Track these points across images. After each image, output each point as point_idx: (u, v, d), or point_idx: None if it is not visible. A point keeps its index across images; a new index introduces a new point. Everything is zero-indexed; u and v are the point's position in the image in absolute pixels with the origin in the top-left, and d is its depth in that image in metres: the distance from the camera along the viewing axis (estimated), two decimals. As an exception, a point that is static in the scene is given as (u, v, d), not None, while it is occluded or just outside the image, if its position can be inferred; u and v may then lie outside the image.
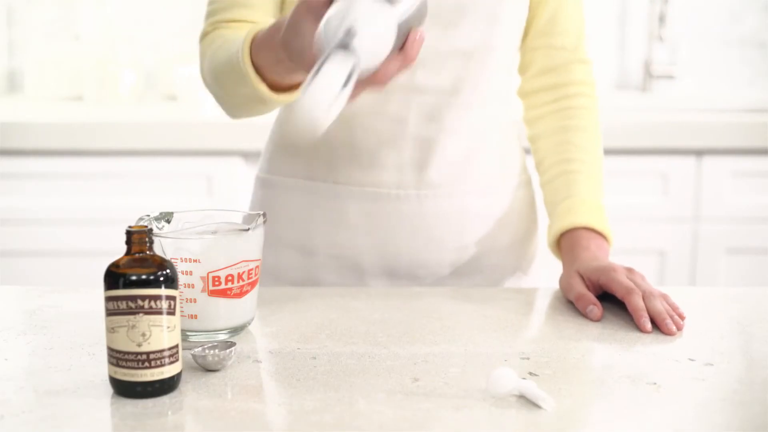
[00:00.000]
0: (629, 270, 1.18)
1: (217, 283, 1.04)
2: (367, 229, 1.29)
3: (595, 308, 1.14)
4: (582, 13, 1.36)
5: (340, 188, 1.30)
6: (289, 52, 1.00)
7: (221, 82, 1.20)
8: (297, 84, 1.11)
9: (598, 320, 1.13)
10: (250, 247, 1.06)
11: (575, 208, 1.28)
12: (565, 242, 1.27)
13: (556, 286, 1.26)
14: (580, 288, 1.17)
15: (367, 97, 1.24)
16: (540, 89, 1.36)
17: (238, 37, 1.17)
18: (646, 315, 1.10)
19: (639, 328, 1.10)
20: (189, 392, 0.92)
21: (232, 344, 0.99)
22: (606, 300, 1.18)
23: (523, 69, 1.38)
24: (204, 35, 1.27)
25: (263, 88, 1.11)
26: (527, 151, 1.43)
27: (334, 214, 1.30)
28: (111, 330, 0.90)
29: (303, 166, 1.32)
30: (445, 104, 1.27)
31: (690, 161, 2.35)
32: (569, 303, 1.21)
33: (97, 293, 1.15)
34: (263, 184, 1.37)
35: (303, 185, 1.32)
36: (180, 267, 1.02)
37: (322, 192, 1.31)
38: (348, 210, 1.30)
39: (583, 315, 1.15)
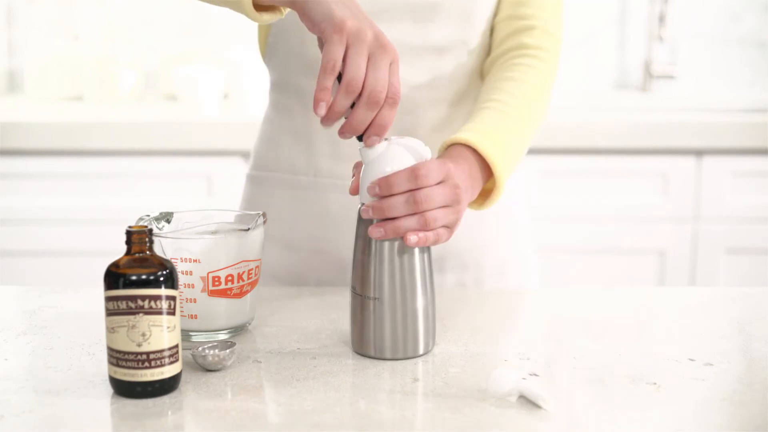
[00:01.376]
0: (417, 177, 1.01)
1: (217, 283, 1.04)
2: (348, 223, 1.29)
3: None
4: None
5: (321, 181, 1.30)
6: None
7: None
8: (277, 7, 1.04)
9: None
10: (250, 247, 1.06)
11: (463, 129, 1.15)
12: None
13: (554, 286, 1.25)
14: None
15: None
16: (492, 60, 1.30)
17: None
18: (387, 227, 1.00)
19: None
20: (189, 392, 0.92)
21: (232, 344, 0.99)
22: (603, 301, 1.17)
23: (490, 45, 1.32)
24: None
25: (249, 6, 1.02)
26: None
27: (316, 207, 1.31)
28: (111, 330, 0.90)
29: (285, 160, 1.33)
30: (421, 99, 1.27)
31: (690, 161, 2.35)
32: (569, 303, 1.21)
33: (97, 293, 1.15)
34: (251, 181, 1.38)
35: (286, 179, 1.33)
36: (180, 267, 1.02)
37: (304, 186, 1.31)
38: (329, 203, 1.30)
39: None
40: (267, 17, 1.04)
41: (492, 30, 1.32)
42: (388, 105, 0.97)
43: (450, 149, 1.12)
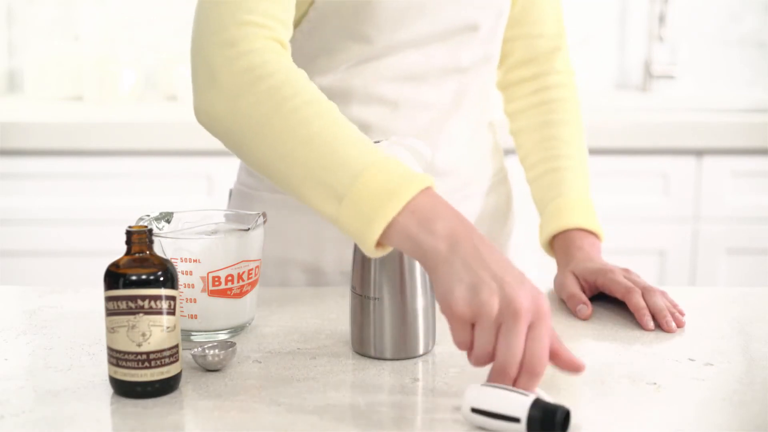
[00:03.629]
0: (626, 270, 1.19)
1: (217, 283, 1.04)
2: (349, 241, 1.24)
3: (585, 307, 1.14)
4: (559, 5, 1.35)
5: None
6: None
7: (275, 155, 0.94)
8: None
9: (586, 319, 1.14)
10: (250, 247, 1.06)
11: (566, 209, 1.27)
12: (558, 243, 1.27)
13: (549, 286, 1.25)
14: (572, 288, 1.18)
15: (377, 115, 1.20)
16: (520, 80, 1.35)
17: (357, 133, 0.94)
18: (648, 313, 1.11)
19: (641, 326, 1.10)
20: (189, 392, 0.92)
21: (232, 344, 0.99)
22: (603, 300, 1.18)
23: (500, 61, 1.36)
24: (258, 25, 0.97)
25: (371, 249, 0.91)
26: (507, 151, 1.42)
27: (317, 228, 1.25)
28: (111, 330, 0.90)
29: None
30: (447, 116, 1.25)
31: (690, 161, 2.35)
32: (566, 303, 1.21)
33: (97, 293, 1.15)
34: (243, 197, 1.30)
35: (283, 200, 1.24)
36: (180, 267, 1.02)
37: (304, 206, 1.24)
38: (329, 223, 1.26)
39: (573, 314, 1.15)
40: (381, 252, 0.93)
41: (504, 45, 1.33)
42: (525, 375, 0.85)
43: (566, 237, 1.25)
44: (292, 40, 1.14)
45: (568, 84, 1.35)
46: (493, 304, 0.84)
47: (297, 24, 1.15)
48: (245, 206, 1.30)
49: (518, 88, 1.36)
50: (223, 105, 0.97)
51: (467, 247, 0.87)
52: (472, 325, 0.86)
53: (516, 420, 0.82)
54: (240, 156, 1.01)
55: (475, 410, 0.84)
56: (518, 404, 0.83)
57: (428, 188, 0.91)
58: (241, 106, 0.96)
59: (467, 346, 0.87)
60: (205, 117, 1.01)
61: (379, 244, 0.91)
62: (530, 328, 0.85)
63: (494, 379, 0.86)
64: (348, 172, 0.90)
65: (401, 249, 0.91)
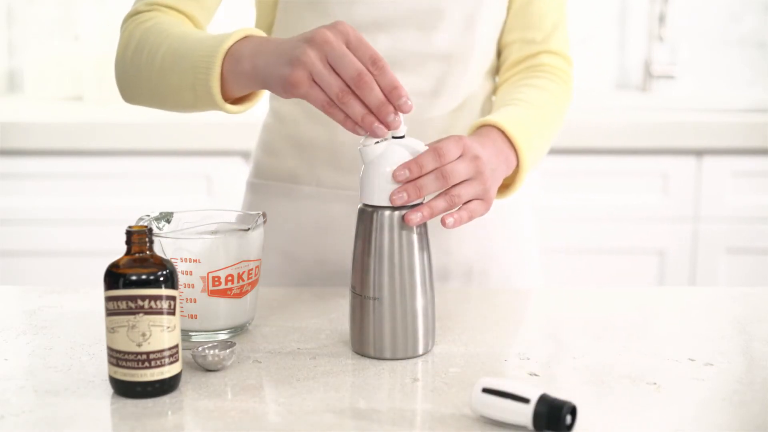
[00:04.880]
0: (472, 159, 1.03)
1: (217, 283, 1.04)
2: (352, 233, 1.26)
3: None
4: (560, 7, 1.30)
5: (324, 191, 1.28)
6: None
7: (154, 68, 1.11)
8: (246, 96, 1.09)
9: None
10: (250, 247, 1.06)
11: (491, 114, 1.19)
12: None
13: (554, 286, 1.25)
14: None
15: None
16: (513, 74, 1.31)
17: (194, 30, 1.12)
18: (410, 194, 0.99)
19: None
20: (189, 392, 0.92)
21: (232, 344, 0.99)
22: (602, 298, 1.18)
23: (499, 66, 1.34)
24: (135, 13, 1.17)
25: (221, 101, 1.06)
26: None
27: (319, 217, 1.29)
28: (111, 330, 0.90)
29: (287, 169, 1.31)
30: (429, 106, 1.25)
31: (690, 161, 2.35)
32: (569, 303, 1.20)
33: (97, 293, 1.15)
34: (252, 189, 1.36)
35: (287, 189, 1.31)
36: (180, 267, 1.02)
37: (306, 195, 1.29)
38: (332, 213, 1.28)
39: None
40: (239, 108, 1.08)
41: (501, 50, 1.32)
42: (379, 72, 0.95)
43: (478, 130, 1.14)
44: (276, 21, 1.24)
45: (557, 74, 1.30)
46: (310, 53, 0.94)
47: (276, 3, 1.23)
48: (260, 198, 1.33)
49: (506, 81, 1.33)
50: (117, 75, 1.18)
51: (261, 47, 1.01)
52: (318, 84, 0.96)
53: (526, 401, 0.83)
54: (141, 105, 1.19)
55: (486, 390, 0.85)
56: (531, 388, 0.85)
57: (244, 38, 1.04)
58: (121, 76, 1.17)
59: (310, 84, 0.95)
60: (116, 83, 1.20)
61: (234, 102, 1.07)
62: (350, 46, 0.95)
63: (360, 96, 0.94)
64: (192, 76, 1.06)
65: (242, 89, 1.04)
